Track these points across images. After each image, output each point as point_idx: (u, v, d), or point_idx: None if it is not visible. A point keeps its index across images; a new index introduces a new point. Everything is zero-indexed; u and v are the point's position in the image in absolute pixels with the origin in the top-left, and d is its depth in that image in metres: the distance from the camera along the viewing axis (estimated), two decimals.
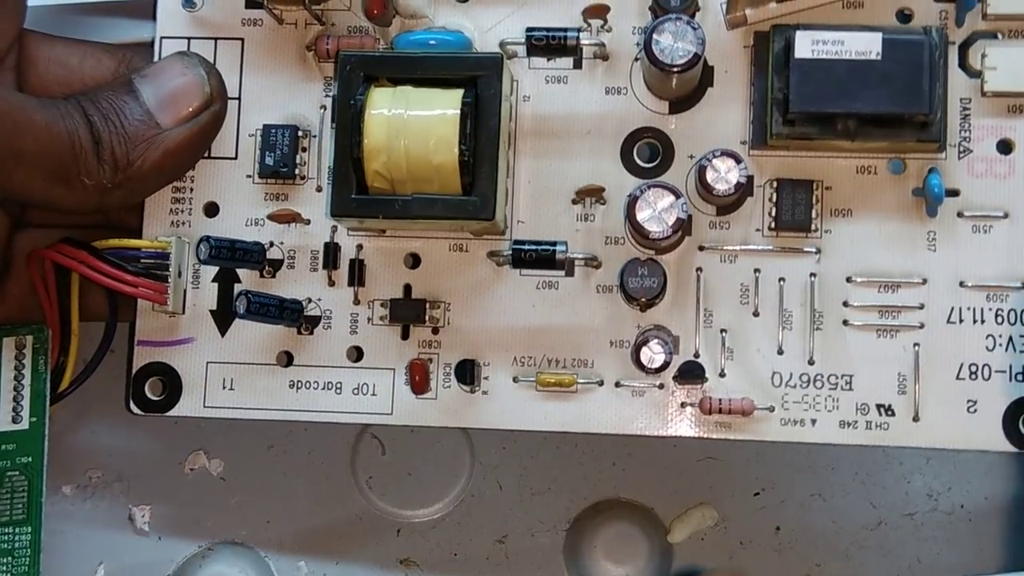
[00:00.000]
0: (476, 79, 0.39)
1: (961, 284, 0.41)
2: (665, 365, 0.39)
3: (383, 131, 0.39)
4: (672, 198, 0.39)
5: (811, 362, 0.41)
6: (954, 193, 0.41)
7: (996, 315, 0.40)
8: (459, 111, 0.38)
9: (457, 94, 0.39)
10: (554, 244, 0.40)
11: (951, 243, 0.41)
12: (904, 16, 0.41)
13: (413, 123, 0.39)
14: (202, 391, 0.43)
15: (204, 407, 0.43)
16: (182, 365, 0.43)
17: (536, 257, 0.40)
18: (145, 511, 0.50)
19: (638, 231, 0.39)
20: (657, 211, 0.39)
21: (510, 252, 0.40)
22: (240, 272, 0.43)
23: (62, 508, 0.49)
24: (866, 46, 0.39)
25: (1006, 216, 0.41)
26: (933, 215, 0.41)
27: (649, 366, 0.39)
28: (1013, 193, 0.41)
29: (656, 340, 0.40)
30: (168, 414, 0.43)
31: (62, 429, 0.47)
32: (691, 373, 0.40)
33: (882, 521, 0.48)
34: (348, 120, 0.39)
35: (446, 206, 0.39)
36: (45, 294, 0.42)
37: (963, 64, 0.41)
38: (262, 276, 0.43)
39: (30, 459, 0.41)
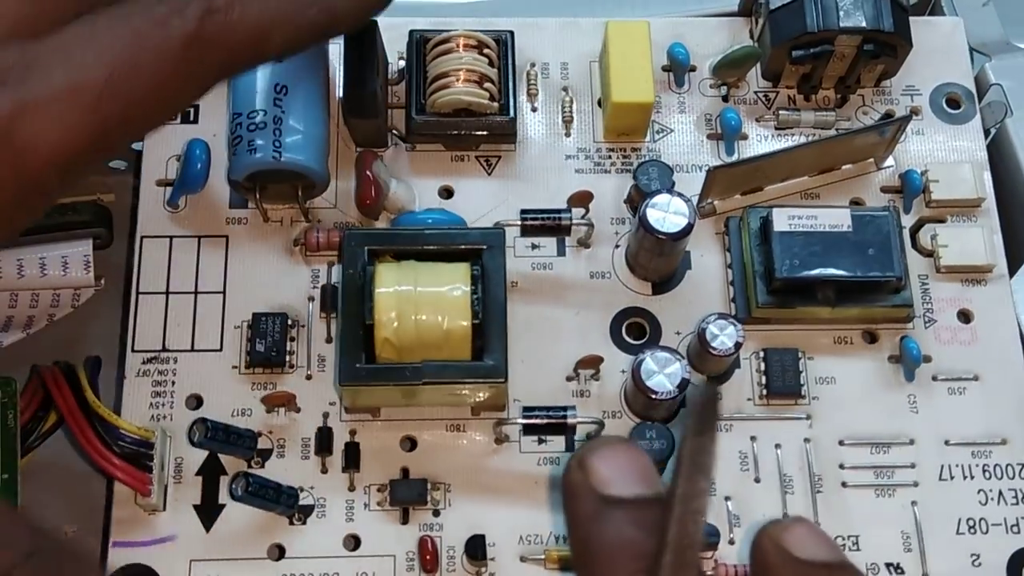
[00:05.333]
0: (480, 252, 0.40)
1: (946, 443, 0.42)
2: None
3: (393, 306, 0.39)
4: (676, 362, 0.40)
5: (817, 525, 0.41)
6: (926, 359, 0.43)
7: (983, 470, 0.42)
8: (469, 287, 0.39)
9: (464, 268, 0.40)
10: (564, 409, 0.40)
11: (931, 405, 0.43)
12: (856, 204, 0.45)
13: (424, 298, 0.39)
14: None
15: None
16: (162, 565, 0.40)
17: (548, 423, 0.40)
18: None
19: (644, 393, 0.39)
20: (663, 372, 0.40)
21: (520, 419, 0.40)
22: (226, 464, 0.41)
23: None
24: (837, 220, 0.42)
25: (976, 379, 0.43)
26: (911, 379, 0.43)
27: None
28: (979, 358, 0.43)
29: None
30: None
31: (36, 483, 0.42)
32: (706, 535, 0.40)
33: None
34: (355, 292, 0.39)
35: (459, 370, 0.39)
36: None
37: (915, 246, 0.45)
38: (250, 466, 0.41)
39: None
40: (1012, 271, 0.45)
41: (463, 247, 0.40)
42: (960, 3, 0.51)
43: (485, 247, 0.40)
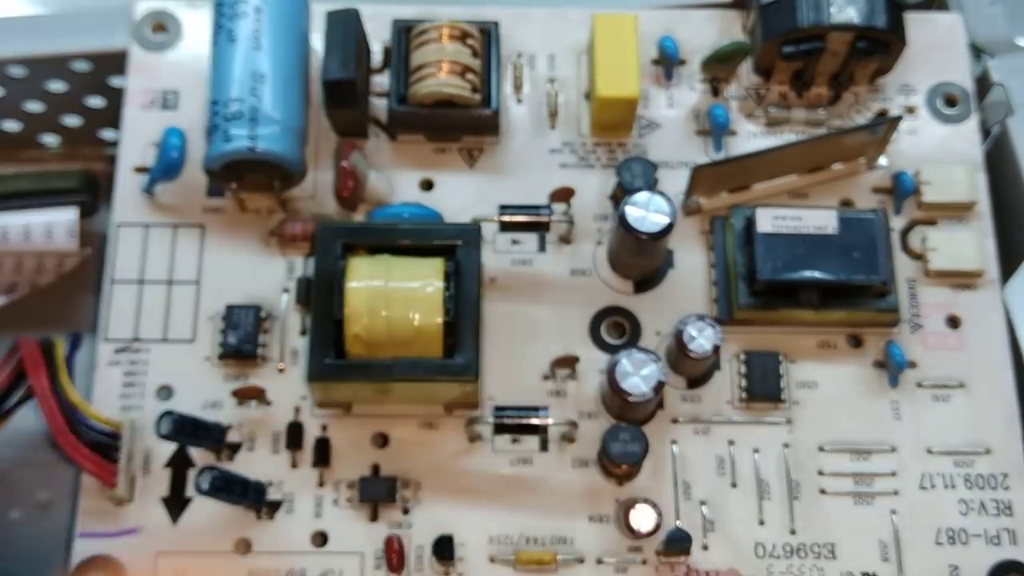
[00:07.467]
0: (454, 248, 0.39)
1: (928, 451, 0.41)
2: (656, 528, 0.38)
3: (364, 301, 0.38)
4: (652, 363, 0.39)
5: (793, 532, 0.40)
6: (912, 365, 0.42)
7: (965, 480, 0.41)
8: (442, 284, 0.38)
9: (438, 263, 0.39)
10: (536, 409, 0.39)
11: (914, 412, 0.42)
12: (845, 204, 0.44)
13: (396, 294, 0.38)
14: None
15: None
16: (129, 558, 0.39)
17: (519, 423, 0.39)
18: None
19: (619, 395, 0.39)
20: (638, 374, 0.39)
21: (491, 419, 0.39)
22: (195, 457, 0.40)
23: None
24: (823, 222, 0.41)
25: (962, 386, 0.42)
26: (895, 385, 0.42)
27: (640, 530, 0.38)
28: (966, 364, 0.42)
29: (645, 502, 0.39)
30: None
31: (10, 449, 0.43)
32: (678, 541, 0.39)
33: None
34: (327, 286, 0.39)
35: (429, 368, 0.38)
36: None
37: (905, 248, 0.44)
38: (219, 459, 0.40)
39: None
40: (1011, 272, 0.44)
41: (438, 243, 0.40)
42: (968, 1, 0.49)
43: (460, 243, 0.39)
